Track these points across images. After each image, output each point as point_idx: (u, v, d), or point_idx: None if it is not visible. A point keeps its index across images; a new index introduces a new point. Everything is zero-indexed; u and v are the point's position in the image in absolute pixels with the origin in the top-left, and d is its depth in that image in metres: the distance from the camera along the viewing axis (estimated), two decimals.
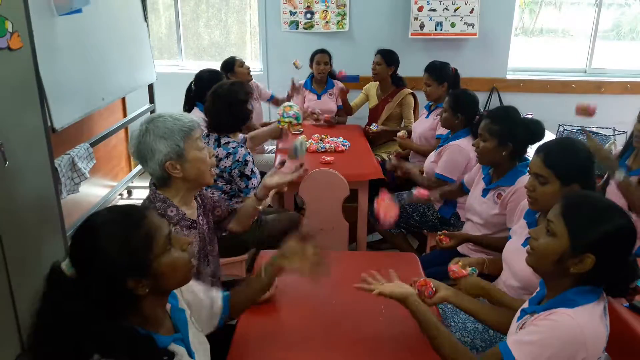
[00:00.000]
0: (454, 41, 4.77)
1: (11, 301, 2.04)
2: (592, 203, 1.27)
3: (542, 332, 1.21)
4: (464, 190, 2.64)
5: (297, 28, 4.82)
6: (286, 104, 3.10)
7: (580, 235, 1.22)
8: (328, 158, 3.18)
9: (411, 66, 4.13)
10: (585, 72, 5.10)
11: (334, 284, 1.85)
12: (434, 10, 4.65)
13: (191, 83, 3.39)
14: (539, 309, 1.28)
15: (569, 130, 4.34)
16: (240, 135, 2.68)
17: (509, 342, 1.26)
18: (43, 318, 1.03)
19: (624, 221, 1.22)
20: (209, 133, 2.52)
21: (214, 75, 3.24)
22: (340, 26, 4.81)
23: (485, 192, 2.32)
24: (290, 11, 4.78)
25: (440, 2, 4.62)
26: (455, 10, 4.65)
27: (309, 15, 4.79)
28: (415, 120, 3.84)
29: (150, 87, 4.45)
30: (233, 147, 2.46)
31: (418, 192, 2.63)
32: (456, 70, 3.49)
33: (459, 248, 2.38)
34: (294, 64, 4.11)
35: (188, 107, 3.42)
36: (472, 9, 4.64)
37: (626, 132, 4.21)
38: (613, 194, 2.20)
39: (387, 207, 2.10)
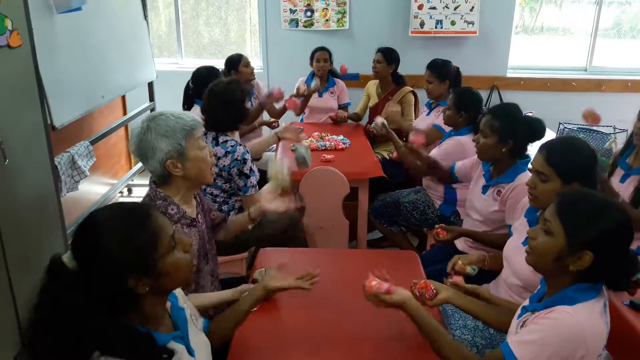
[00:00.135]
0: (454, 39, 4.76)
1: (11, 299, 2.04)
2: (587, 200, 1.28)
3: (542, 331, 1.21)
4: (451, 176, 2.65)
5: (297, 26, 4.82)
6: (275, 170, 2.17)
7: (577, 233, 1.23)
8: (328, 156, 3.17)
9: (411, 64, 4.12)
10: (585, 70, 5.10)
11: (334, 282, 1.85)
12: (434, 8, 4.64)
13: (189, 81, 3.39)
14: (539, 307, 1.29)
15: (569, 128, 4.33)
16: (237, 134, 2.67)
17: (511, 342, 1.26)
18: (42, 311, 1.02)
19: (619, 216, 1.23)
20: (206, 132, 2.52)
21: (212, 72, 3.23)
22: (341, 24, 4.80)
23: (485, 189, 2.32)
24: (290, 9, 4.78)
25: (441, 0, 4.62)
26: (455, 8, 4.64)
27: (309, 13, 4.78)
28: (415, 118, 3.84)
29: (150, 85, 4.45)
30: (232, 146, 2.46)
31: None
32: (458, 68, 3.48)
33: (458, 245, 2.38)
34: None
35: (187, 106, 3.40)
36: (472, 7, 4.63)
37: (626, 131, 4.20)
38: (616, 187, 2.20)
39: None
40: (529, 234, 1.35)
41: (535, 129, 2.18)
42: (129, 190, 4.46)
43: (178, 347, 1.18)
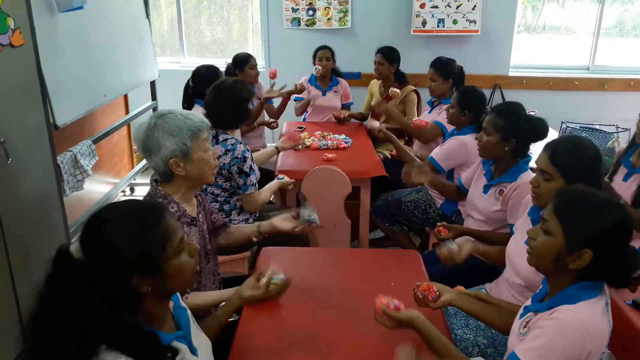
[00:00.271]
0: (456, 38, 4.76)
1: (14, 298, 2.05)
2: (584, 198, 1.28)
3: (547, 335, 1.21)
4: (460, 190, 2.61)
5: (299, 25, 4.82)
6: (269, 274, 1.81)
7: (575, 231, 1.23)
8: (330, 155, 3.17)
9: (413, 63, 4.12)
10: (588, 69, 5.08)
11: (336, 281, 1.85)
12: (436, 7, 4.64)
13: (189, 80, 3.37)
14: (542, 307, 1.28)
15: (572, 127, 4.33)
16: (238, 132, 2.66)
17: (517, 351, 1.25)
18: (46, 304, 1.01)
19: (617, 214, 1.22)
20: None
21: (212, 71, 3.23)
22: (343, 23, 4.80)
23: (486, 189, 2.31)
24: (292, 8, 4.78)
25: None
26: (457, 7, 4.64)
27: (311, 12, 4.78)
28: (418, 117, 3.83)
29: (153, 84, 4.45)
30: (232, 144, 2.46)
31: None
32: (462, 67, 3.48)
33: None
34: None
35: (187, 105, 3.38)
36: (475, 6, 4.62)
37: (629, 129, 4.20)
38: (619, 185, 2.20)
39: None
40: (529, 234, 1.35)
41: (538, 128, 2.17)
42: (132, 190, 4.46)
43: (181, 346, 1.18)
